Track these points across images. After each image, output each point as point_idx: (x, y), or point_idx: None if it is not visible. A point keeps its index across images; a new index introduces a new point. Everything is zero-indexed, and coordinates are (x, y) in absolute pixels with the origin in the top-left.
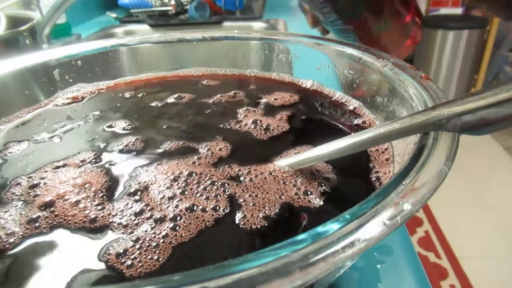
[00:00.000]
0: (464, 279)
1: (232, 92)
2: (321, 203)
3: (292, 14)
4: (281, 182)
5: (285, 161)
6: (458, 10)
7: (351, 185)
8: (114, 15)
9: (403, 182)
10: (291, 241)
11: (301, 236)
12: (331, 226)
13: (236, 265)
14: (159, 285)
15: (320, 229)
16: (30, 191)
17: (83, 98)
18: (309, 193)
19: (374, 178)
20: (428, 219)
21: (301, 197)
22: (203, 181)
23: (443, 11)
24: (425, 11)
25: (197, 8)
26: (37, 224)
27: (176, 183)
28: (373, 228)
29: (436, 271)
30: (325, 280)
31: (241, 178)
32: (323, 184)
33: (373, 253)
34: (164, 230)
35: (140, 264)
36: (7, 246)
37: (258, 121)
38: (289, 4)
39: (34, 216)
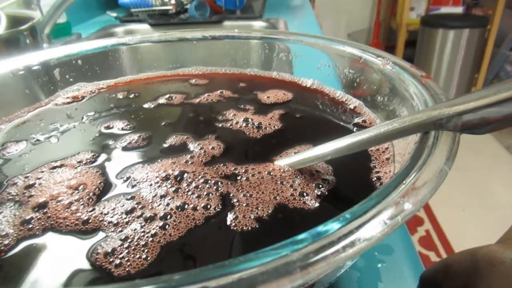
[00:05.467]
0: None
1: (234, 92)
2: (316, 204)
3: (293, 13)
4: (279, 182)
5: (285, 161)
6: (459, 9)
7: (352, 185)
8: (114, 14)
9: (404, 182)
10: (292, 241)
11: (301, 236)
12: (332, 226)
13: (236, 264)
14: (159, 284)
15: (320, 228)
16: (25, 191)
17: (83, 97)
18: (305, 194)
19: (375, 178)
20: (429, 218)
21: (296, 198)
22: (196, 180)
23: (444, 10)
24: (426, 10)
25: (197, 7)
26: (30, 226)
27: (169, 181)
28: (374, 227)
29: None
30: (326, 280)
31: (238, 177)
32: (321, 186)
33: (374, 253)
34: (154, 229)
35: (128, 263)
36: (2, 248)
37: (250, 119)
38: (290, 3)
39: (27, 218)
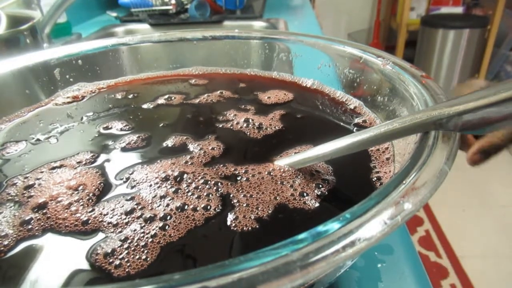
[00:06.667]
0: (464, 278)
1: (234, 92)
2: (316, 204)
3: (293, 13)
4: (279, 182)
5: (285, 161)
6: (459, 9)
7: (352, 184)
8: (114, 14)
9: (404, 182)
10: (292, 240)
11: (301, 236)
12: (332, 226)
13: (237, 264)
14: (159, 284)
15: (320, 228)
16: (25, 191)
17: (83, 97)
18: (305, 194)
19: (375, 178)
20: (429, 218)
21: (296, 198)
22: (196, 180)
23: (444, 10)
24: (426, 10)
25: (197, 7)
26: (30, 226)
27: (169, 182)
28: (374, 227)
29: (437, 270)
30: (326, 279)
31: (238, 178)
32: (321, 186)
33: (374, 253)
34: (153, 229)
35: (128, 264)
36: (2, 248)
37: (250, 120)
38: (290, 3)
39: (27, 218)
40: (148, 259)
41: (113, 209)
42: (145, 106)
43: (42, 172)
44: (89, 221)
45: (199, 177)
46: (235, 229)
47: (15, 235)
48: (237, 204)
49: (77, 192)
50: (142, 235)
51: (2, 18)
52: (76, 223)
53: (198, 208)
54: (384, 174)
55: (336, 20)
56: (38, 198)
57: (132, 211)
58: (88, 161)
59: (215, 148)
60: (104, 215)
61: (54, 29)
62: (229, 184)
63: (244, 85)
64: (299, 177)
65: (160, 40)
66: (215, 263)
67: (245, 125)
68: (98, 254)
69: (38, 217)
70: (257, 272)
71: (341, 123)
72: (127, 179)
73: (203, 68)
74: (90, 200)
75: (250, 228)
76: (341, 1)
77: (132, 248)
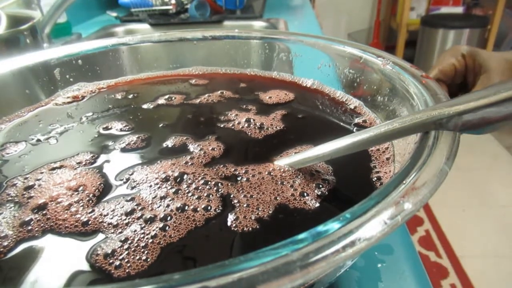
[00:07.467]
0: (464, 278)
1: (234, 92)
2: (317, 204)
3: (293, 13)
4: (279, 183)
5: (285, 161)
6: (459, 9)
7: (352, 184)
8: (114, 14)
9: (404, 182)
10: (292, 240)
11: (301, 235)
12: (332, 225)
13: (237, 264)
14: (159, 284)
15: (320, 228)
16: (24, 192)
17: (83, 97)
18: (305, 194)
19: (375, 178)
20: (429, 218)
21: (296, 198)
22: (196, 181)
23: (444, 10)
24: (426, 10)
25: (197, 7)
26: (30, 227)
27: (169, 182)
28: (374, 227)
29: (437, 270)
30: (326, 279)
31: (238, 178)
32: (321, 186)
33: (374, 252)
34: (154, 230)
35: (128, 265)
36: (1, 249)
37: (252, 120)
38: (290, 3)
39: (26, 219)
40: (148, 259)
41: (113, 210)
42: (145, 106)
43: (42, 172)
44: (89, 222)
45: (199, 178)
46: (236, 229)
47: (14, 236)
48: (238, 204)
49: (77, 193)
50: (142, 235)
51: (2, 18)
52: (76, 224)
53: (198, 209)
54: (384, 174)
55: (336, 20)
56: (38, 199)
57: (132, 211)
58: (88, 161)
59: (215, 149)
60: (104, 215)
61: (54, 29)
62: (229, 184)
63: (245, 85)
64: (299, 177)
65: (160, 40)
66: (215, 263)
67: (246, 125)
68: (98, 254)
69: (38, 218)
70: (257, 272)
71: (341, 123)
72: (127, 179)
73: (203, 68)
74: (90, 201)
75: (250, 229)
76: (341, 1)
77: (132, 249)
